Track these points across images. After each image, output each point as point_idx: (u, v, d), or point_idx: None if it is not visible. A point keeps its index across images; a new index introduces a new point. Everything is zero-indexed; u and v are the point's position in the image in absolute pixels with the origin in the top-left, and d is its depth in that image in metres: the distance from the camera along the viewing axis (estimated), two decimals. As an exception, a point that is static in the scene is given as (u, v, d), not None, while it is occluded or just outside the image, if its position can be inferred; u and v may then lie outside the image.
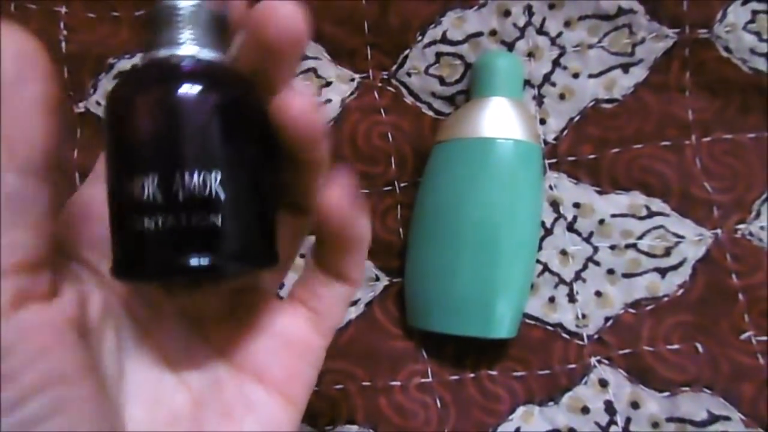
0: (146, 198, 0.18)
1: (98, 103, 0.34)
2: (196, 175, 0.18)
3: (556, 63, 0.33)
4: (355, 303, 0.33)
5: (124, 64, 0.33)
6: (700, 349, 0.31)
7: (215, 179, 0.18)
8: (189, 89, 0.18)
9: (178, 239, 0.18)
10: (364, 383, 0.31)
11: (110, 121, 0.19)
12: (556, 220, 0.33)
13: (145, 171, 0.18)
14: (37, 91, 0.16)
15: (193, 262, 0.18)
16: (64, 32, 0.33)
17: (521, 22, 0.33)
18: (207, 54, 0.19)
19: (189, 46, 0.19)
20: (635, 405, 0.31)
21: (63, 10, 0.34)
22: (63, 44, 0.33)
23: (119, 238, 0.19)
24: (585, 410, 0.31)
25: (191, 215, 0.18)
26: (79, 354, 0.17)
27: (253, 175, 0.19)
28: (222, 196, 0.18)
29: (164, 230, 0.18)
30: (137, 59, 0.34)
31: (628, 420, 0.30)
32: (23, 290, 0.16)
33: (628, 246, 0.32)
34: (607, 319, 0.32)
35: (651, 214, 0.32)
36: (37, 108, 0.16)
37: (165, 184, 0.18)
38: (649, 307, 0.32)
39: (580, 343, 0.32)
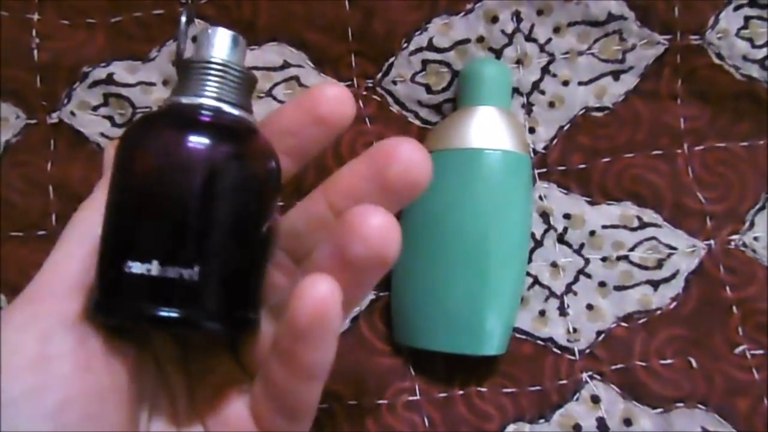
0: (138, 247, 0.18)
1: (72, 114, 0.32)
2: (190, 233, 0.18)
3: (545, 70, 0.32)
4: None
5: (100, 73, 0.32)
6: (694, 363, 0.30)
7: (206, 237, 0.18)
8: (200, 141, 0.18)
9: (155, 289, 0.18)
10: (350, 402, 0.30)
11: (119, 163, 0.19)
12: (546, 231, 0.32)
13: (148, 225, 0.18)
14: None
15: (162, 313, 0.18)
16: (37, 40, 0.32)
17: (509, 29, 0.32)
18: (229, 109, 0.20)
19: (211, 99, 0.20)
20: (628, 422, 0.30)
21: (35, 17, 0.32)
22: (35, 52, 0.32)
23: (106, 276, 0.19)
24: (577, 428, 0.30)
25: (172, 268, 0.18)
26: (120, 373, 0.19)
27: (241, 239, 0.19)
28: (208, 256, 0.18)
29: (147, 278, 0.18)
30: (113, 68, 0.32)
31: (620, 437, 0.30)
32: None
33: (619, 258, 0.31)
34: (598, 333, 0.31)
35: (643, 225, 0.32)
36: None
37: (157, 237, 0.18)
38: (641, 321, 0.31)
39: (572, 358, 0.31)
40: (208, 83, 0.20)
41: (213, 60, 0.20)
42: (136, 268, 0.18)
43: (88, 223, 0.20)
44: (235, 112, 0.20)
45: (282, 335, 0.18)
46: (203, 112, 0.19)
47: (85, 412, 0.18)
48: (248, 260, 0.20)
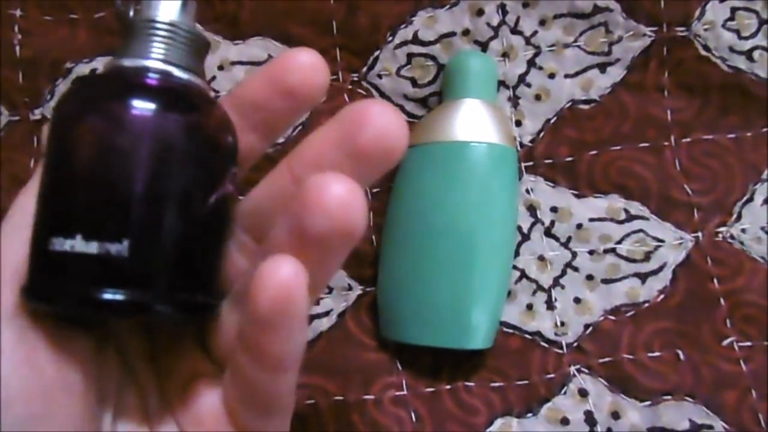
0: (61, 221, 0.17)
1: (56, 110, 0.32)
2: (116, 202, 0.16)
3: (531, 63, 0.32)
4: (327, 314, 0.32)
5: (82, 69, 0.32)
6: (682, 356, 0.30)
7: (136, 207, 0.17)
8: (142, 105, 0.17)
9: (81, 267, 0.16)
10: (336, 398, 0.30)
11: (51, 131, 0.18)
12: (533, 225, 0.32)
13: (75, 197, 0.17)
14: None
15: (107, 296, 0.16)
16: (19, 36, 0.32)
17: (495, 22, 0.32)
18: (179, 73, 0.18)
19: (159, 61, 0.18)
20: (616, 415, 0.30)
21: (18, 13, 0.32)
22: (17, 48, 0.32)
23: (32, 256, 0.18)
24: (565, 421, 0.30)
25: (98, 243, 0.16)
26: (71, 369, 0.18)
27: (180, 212, 0.17)
28: (138, 228, 0.17)
29: (80, 256, 0.16)
30: (96, 63, 0.32)
31: (608, 431, 0.29)
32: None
33: (606, 251, 0.31)
34: (586, 326, 0.31)
35: (630, 218, 0.31)
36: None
37: (81, 209, 0.17)
38: (629, 314, 0.31)
39: (559, 351, 0.31)
40: (155, 44, 0.18)
41: (159, 19, 0.18)
42: (59, 244, 0.16)
43: (25, 208, 0.18)
44: (185, 75, 0.18)
45: (245, 324, 0.17)
46: (149, 75, 0.18)
47: (27, 412, 0.16)
48: (193, 237, 0.18)
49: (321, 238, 0.15)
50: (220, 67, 0.32)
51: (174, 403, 0.20)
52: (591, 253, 0.31)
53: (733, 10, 0.32)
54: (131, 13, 0.19)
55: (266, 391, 0.17)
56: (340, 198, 0.15)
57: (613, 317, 0.31)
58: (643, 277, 0.31)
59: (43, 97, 0.32)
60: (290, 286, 0.15)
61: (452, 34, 0.32)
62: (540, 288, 0.31)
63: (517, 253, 0.32)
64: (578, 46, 0.32)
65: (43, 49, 0.32)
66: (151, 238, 0.17)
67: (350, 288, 0.32)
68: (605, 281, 0.31)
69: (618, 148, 0.32)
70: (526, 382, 0.30)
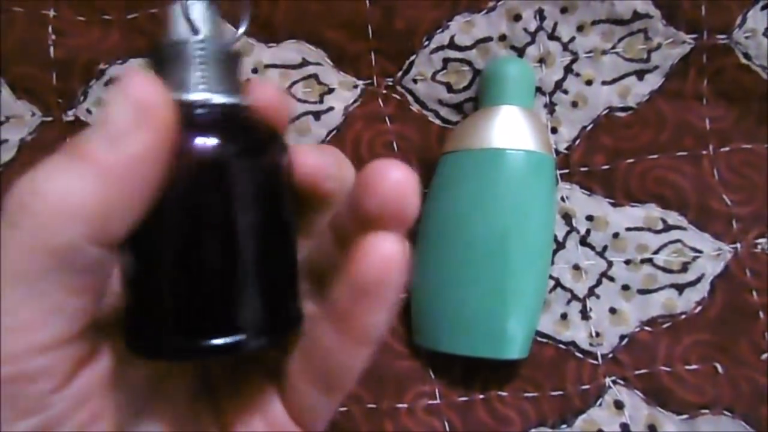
0: (163, 272, 0.16)
1: (89, 111, 0.32)
2: (213, 249, 0.16)
3: (568, 69, 0.32)
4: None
5: (116, 70, 0.32)
6: (720, 369, 0.30)
7: (232, 248, 0.16)
8: (204, 144, 0.16)
9: (196, 316, 0.16)
10: (369, 406, 0.30)
11: None
12: (568, 233, 0.32)
13: (160, 246, 0.16)
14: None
15: (216, 341, 0.16)
16: (53, 36, 0.32)
17: (532, 27, 0.32)
18: (221, 98, 0.17)
19: (201, 91, 0.16)
20: (653, 428, 0.29)
21: (51, 13, 0.32)
22: (51, 49, 0.32)
23: (136, 309, 0.17)
24: (600, 433, 0.29)
25: (207, 290, 0.16)
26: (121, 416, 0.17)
27: (272, 237, 0.17)
28: (239, 266, 0.16)
29: (182, 306, 0.16)
30: (130, 65, 0.32)
31: (644, 443, 0.29)
32: (82, 356, 0.16)
33: (643, 261, 0.31)
34: (622, 337, 0.31)
35: (667, 228, 0.31)
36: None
37: (181, 261, 0.16)
38: (665, 325, 0.30)
39: (594, 362, 0.30)
40: (190, 71, 0.16)
41: (184, 41, 0.16)
42: (168, 302, 0.16)
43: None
44: (227, 100, 0.17)
45: (340, 297, 0.17)
46: (197, 110, 0.16)
47: None
48: (289, 257, 0.18)
49: (375, 218, 0.16)
50: (254, 70, 0.32)
51: (235, 426, 0.20)
52: (627, 262, 0.31)
53: (775, 17, 0.31)
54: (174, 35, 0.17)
55: (344, 365, 0.18)
56: (395, 182, 0.16)
57: (649, 328, 0.30)
58: (680, 288, 0.31)
59: (76, 98, 0.32)
60: (394, 258, 0.16)
61: (489, 39, 0.32)
62: (575, 297, 0.31)
63: (551, 262, 0.31)
64: (616, 53, 0.32)
65: (76, 49, 0.32)
66: (259, 271, 0.17)
67: (382, 294, 0.32)
68: (641, 292, 0.31)
69: (655, 156, 0.31)
70: (560, 392, 0.30)
